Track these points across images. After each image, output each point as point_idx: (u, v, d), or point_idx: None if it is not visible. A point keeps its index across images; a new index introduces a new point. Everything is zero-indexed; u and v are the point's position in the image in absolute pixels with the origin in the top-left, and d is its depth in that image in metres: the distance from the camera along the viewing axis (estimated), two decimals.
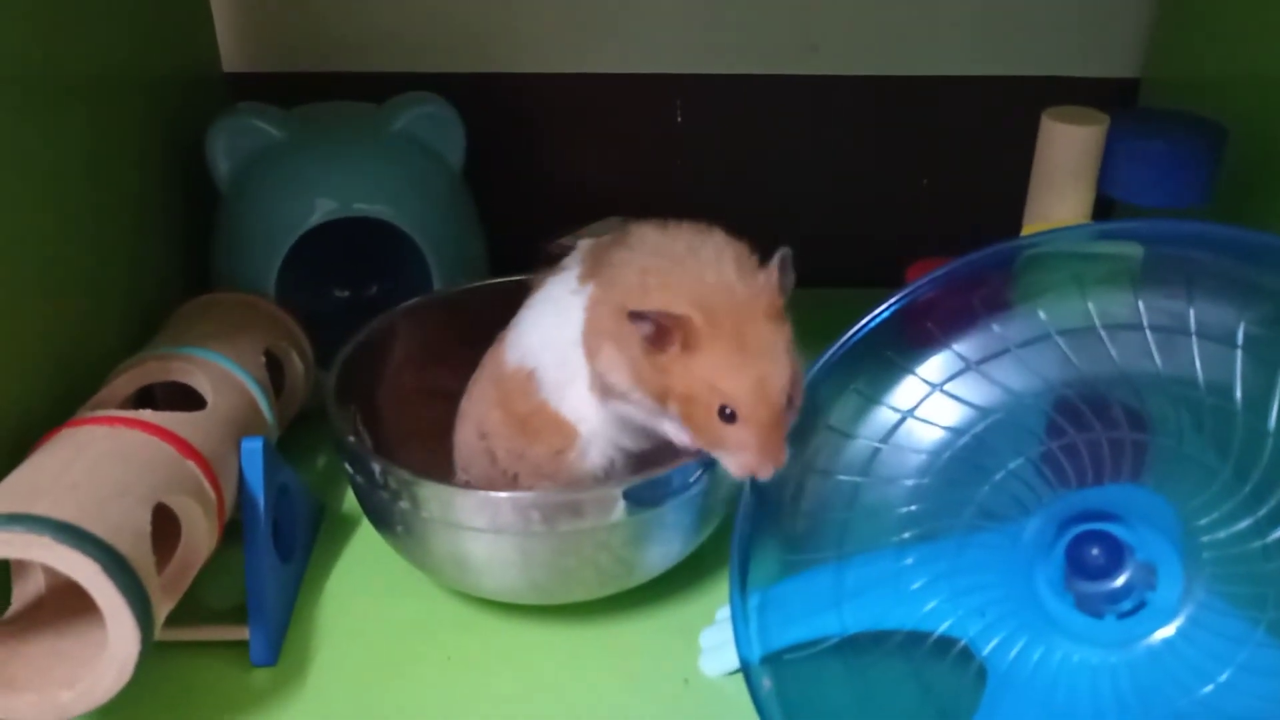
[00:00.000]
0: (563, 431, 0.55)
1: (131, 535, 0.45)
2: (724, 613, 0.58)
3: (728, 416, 0.48)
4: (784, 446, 0.49)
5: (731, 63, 0.85)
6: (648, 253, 0.51)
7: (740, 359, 0.48)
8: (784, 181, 0.90)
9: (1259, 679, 0.42)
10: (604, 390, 0.53)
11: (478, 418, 0.59)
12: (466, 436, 0.60)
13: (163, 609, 0.48)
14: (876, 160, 0.89)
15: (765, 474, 0.49)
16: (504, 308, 0.60)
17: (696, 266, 0.49)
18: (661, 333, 0.48)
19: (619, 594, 0.57)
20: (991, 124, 0.86)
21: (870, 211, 0.90)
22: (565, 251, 0.61)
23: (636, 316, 0.47)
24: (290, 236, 0.68)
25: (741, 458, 0.49)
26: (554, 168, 0.89)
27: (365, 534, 0.64)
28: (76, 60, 0.63)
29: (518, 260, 0.71)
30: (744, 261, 0.50)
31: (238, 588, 0.56)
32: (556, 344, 0.54)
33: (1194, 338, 0.44)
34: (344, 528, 0.65)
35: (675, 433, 0.53)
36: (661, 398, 0.50)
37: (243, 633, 0.55)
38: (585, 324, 0.53)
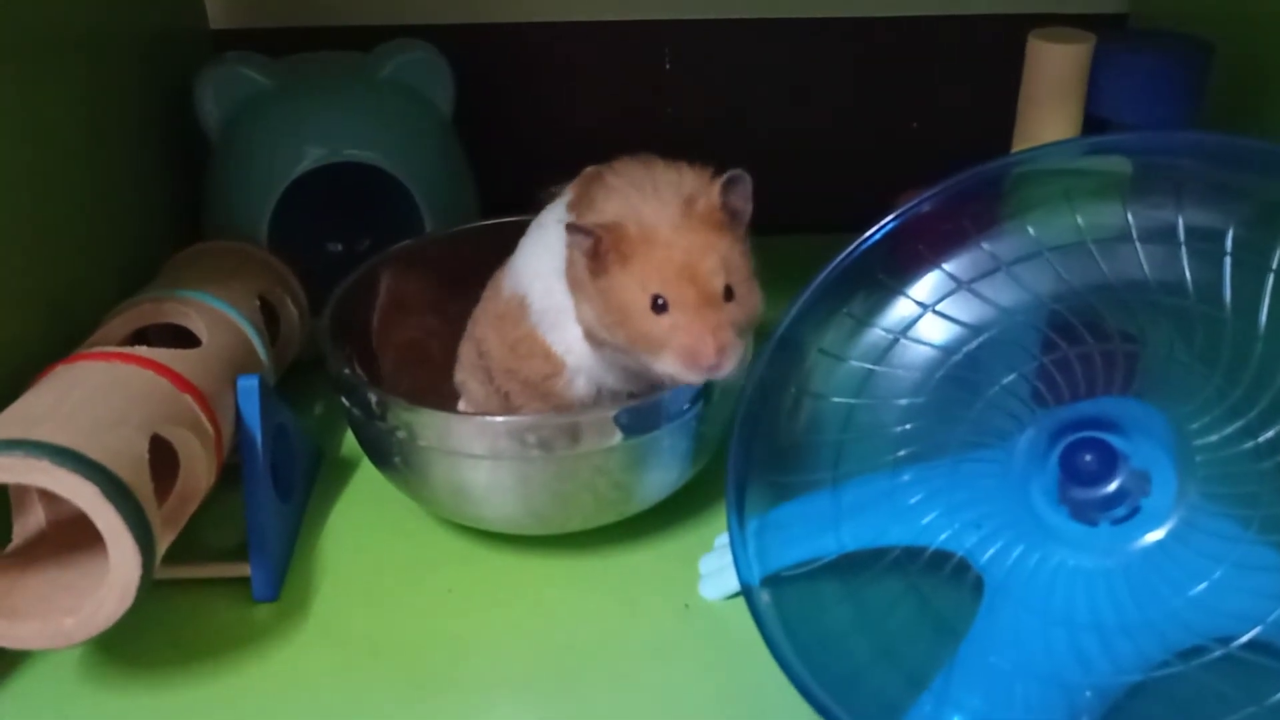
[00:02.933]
0: (550, 359, 0.55)
1: (130, 461, 0.45)
2: (722, 539, 0.59)
3: (659, 307, 0.48)
4: (729, 332, 0.48)
5: (719, 8, 0.85)
6: (623, 187, 0.52)
7: (667, 252, 0.48)
8: (773, 127, 0.90)
9: (1252, 575, 0.42)
10: (593, 340, 0.53)
11: (479, 336, 0.59)
12: (467, 352, 0.61)
13: (164, 539, 0.49)
14: (865, 104, 0.89)
15: (708, 358, 0.47)
16: (497, 250, 0.60)
17: (651, 192, 0.50)
18: (599, 246, 0.48)
19: (617, 523, 0.58)
20: (981, 63, 0.86)
21: (860, 155, 0.90)
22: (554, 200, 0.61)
23: (574, 229, 0.48)
24: (281, 184, 0.68)
25: (679, 343, 0.47)
26: (543, 116, 0.89)
27: (363, 477, 0.65)
28: (66, 16, 0.63)
29: (508, 209, 0.71)
30: (700, 188, 0.51)
31: (239, 530, 0.57)
32: (543, 274, 0.55)
33: (1182, 246, 0.45)
34: (342, 472, 0.66)
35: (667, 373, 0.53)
36: (615, 330, 0.50)
37: (244, 569, 0.55)
38: (566, 260, 0.53)
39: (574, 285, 0.52)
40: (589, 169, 0.57)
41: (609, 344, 0.52)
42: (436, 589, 0.57)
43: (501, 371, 0.57)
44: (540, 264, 0.55)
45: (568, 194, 0.56)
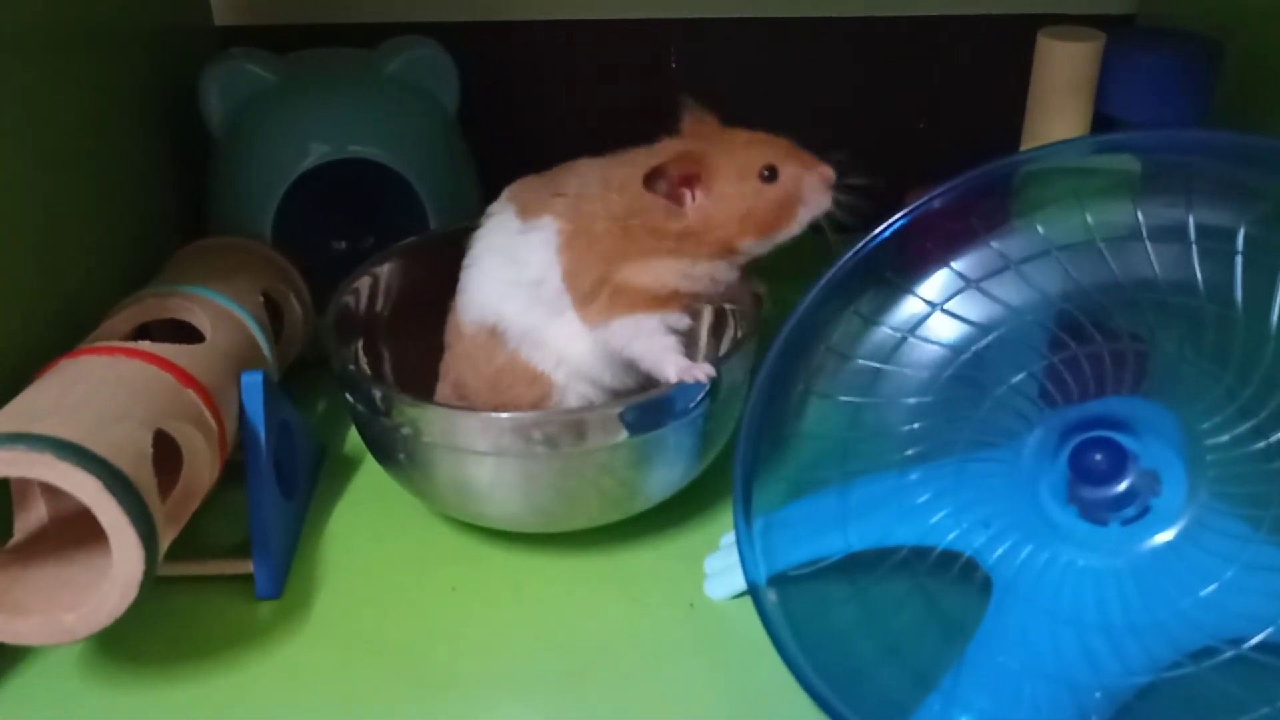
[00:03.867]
0: (536, 382, 0.55)
1: (133, 456, 0.45)
2: (727, 539, 0.58)
3: (769, 175, 0.52)
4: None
5: (724, 7, 0.85)
6: (597, 175, 0.54)
7: (731, 142, 0.54)
8: (778, 127, 0.89)
9: (1263, 576, 0.42)
10: (630, 305, 0.53)
11: (455, 380, 0.58)
12: (444, 395, 0.60)
13: (166, 535, 0.48)
14: (872, 103, 0.89)
15: (829, 172, 0.54)
16: None
17: (640, 150, 0.55)
18: (683, 179, 0.51)
19: (622, 522, 0.57)
20: (987, 63, 0.86)
21: (867, 154, 0.90)
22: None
23: (654, 175, 0.50)
24: (285, 180, 0.68)
25: (810, 180, 0.53)
26: (548, 115, 0.89)
27: (367, 474, 0.65)
28: (72, 12, 0.63)
29: None
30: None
31: (242, 527, 0.56)
32: (516, 291, 0.54)
33: (1193, 245, 0.44)
34: (345, 469, 0.65)
35: (675, 367, 0.53)
36: (727, 246, 0.52)
37: (247, 566, 0.55)
38: (568, 262, 0.53)
39: (620, 262, 0.52)
40: (515, 183, 0.58)
41: (717, 274, 0.54)
42: (440, 587, 0.56)
43: (487, 406, 0.56)
44: (509, 282, 0.55)
45: (506, 210, 0.57)
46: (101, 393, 0.48)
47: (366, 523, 0.61)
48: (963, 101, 0.88)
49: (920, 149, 0.90)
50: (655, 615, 0.54)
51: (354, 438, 0.67)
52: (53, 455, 0.42)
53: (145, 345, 0.52)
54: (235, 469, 0.56)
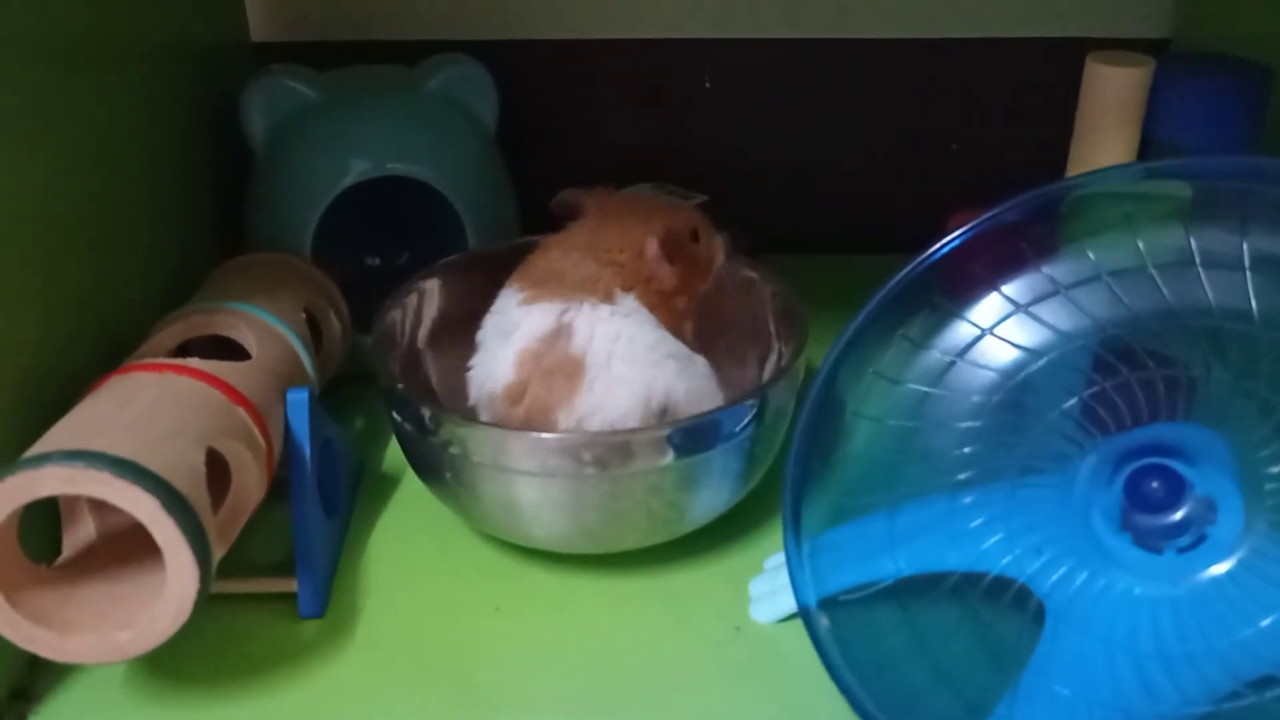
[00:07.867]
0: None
1: (187, 474, 0.45)
2: (772, 562, 0.58)
3: None
4: None
5: (759, 27, 0.85)
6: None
7: None
8: (812, 147, 0.89)
9: None
10: None
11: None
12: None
13: (216, 554, 0.48)
14: (905, 125, 0.89)
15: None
16: None
17: None
18: None
19: (666, 544, 0.57)
20: (1020, 87, 0.86)
21: (900, 177, 0.90)
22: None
23: None
24: (325, 197, 0.68)
25: None
26: (583, 134, 0.89)
27: (407, 491, 0.64)
28: (115, 29, 0.63)
29: (549, 226, 0.70)
30: None
31: (283, 544, 0.56)
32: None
33: (1247, 272, 0.44)
34: (385, 486, 0.65)
35: None
36: None
37: (291, 585, 0.55)
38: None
39: None
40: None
41: None
42: (484, 606, 0.56)
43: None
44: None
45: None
46: (154, 410, 0.48)
47: (408, 541, 0.61)
48: (996, 123, 0.88)
49: (955, 170, 0.90)
50: (701, 638, 0.54)
51: (392, 455, 0.67)
52: (110, 473, 0.42)
53: (195, 362, 0.52)
54: (277, 486, 0.56)
